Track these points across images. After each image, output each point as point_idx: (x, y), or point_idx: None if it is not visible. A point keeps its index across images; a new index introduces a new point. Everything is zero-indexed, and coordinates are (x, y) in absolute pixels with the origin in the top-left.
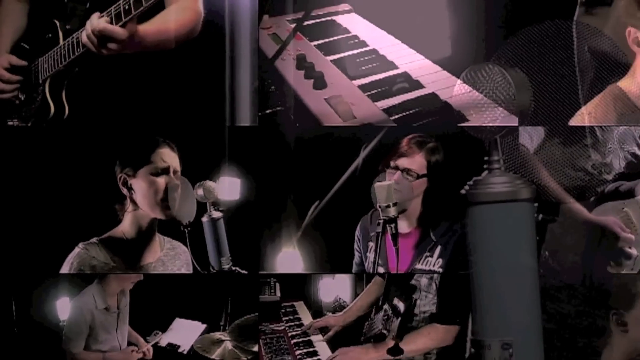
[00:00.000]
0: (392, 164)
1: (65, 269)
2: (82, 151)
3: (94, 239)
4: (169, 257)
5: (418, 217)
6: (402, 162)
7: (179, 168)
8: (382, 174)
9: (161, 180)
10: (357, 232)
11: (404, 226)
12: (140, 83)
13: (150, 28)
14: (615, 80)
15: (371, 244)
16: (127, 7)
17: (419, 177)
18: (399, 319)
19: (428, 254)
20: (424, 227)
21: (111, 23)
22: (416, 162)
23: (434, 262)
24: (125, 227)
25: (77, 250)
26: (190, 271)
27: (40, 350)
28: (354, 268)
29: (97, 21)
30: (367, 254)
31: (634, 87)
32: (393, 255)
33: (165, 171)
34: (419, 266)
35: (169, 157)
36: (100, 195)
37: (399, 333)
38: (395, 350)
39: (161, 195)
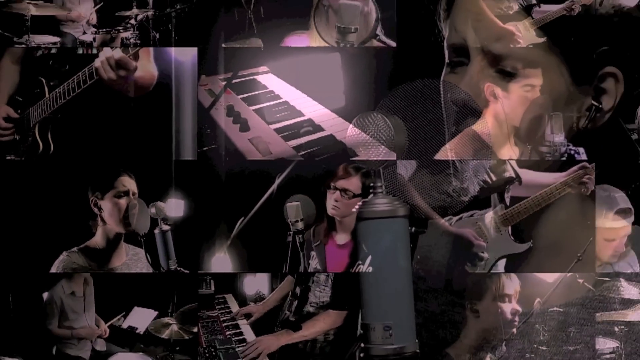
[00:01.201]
0: (332, 185)
1: (53, 270)
2: (63, 180)
3: (75, 248)
4: (133, 261)
5: (353, 230)
6: (341, 183)
7: (136, 191)
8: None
9: (123, 202)
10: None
11: (342, 238)
12: (107, 126)
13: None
14: (471, 124)
15: (313, 253)
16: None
17: (354, 196)
18: (297, 300)
19: (360, 262)
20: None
21: None
22: (353, 183)
23: (365, 269)
24: (97, 238)
25: (62, 256)
26: (150, 271)
27: (32, 328)
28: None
29: (115, 51)
30: (309, 260)
31: (485, 129)
32: (331, 260)
33: (126, 194)
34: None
35: (128, 183)
36: (78, 214)
37: (297, 311)
38: (295, 326)
39: (123, 213)
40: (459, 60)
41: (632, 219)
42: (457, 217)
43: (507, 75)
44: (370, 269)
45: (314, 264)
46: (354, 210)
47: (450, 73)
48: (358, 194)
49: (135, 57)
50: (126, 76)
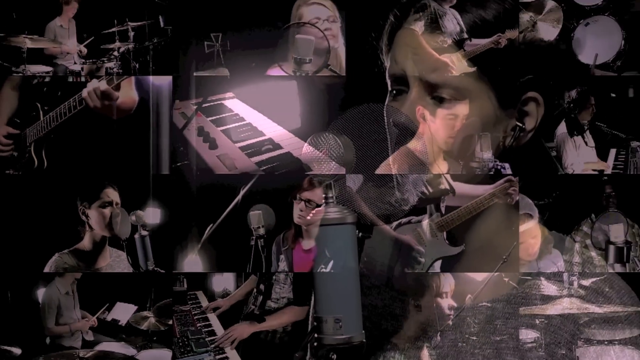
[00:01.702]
0: (297, 196)
1: (46, 269)
2: (55, 191)
3: (65, 251)
4: (116, 262)
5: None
6: (305, 194)
7: (119, 201)
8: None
9: (107, 211)
10: (273, 247)
11: (307, 244)
12: (93, 145)
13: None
14: (407, 142)
15: (282, 256)
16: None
17: (317, 205)
18: (262, 296)
19: (323, 265)
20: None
21: None
22: (316, 195)
23: (327, 271)
24: (85, 242)
25: (54, 257)
26: (131, 271)
27: (28, 325)
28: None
29: (100, 83)
30: (279, 263)
31: (418, 147)
32: (297, 263)
33: (110, 204)
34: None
35: (112, 194)
36: (68, 221)
37: (261, 305)
38: (259, 318)
39: (107, 220)
40: (400, 89)
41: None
42: (396, 223)
43: (438, 102)
44: (332, 271)
45: (283, 266)
46: (308, 217)
47: (393, 100)
48: (321, 203)
49: (117, 87)
50: (110, 104)
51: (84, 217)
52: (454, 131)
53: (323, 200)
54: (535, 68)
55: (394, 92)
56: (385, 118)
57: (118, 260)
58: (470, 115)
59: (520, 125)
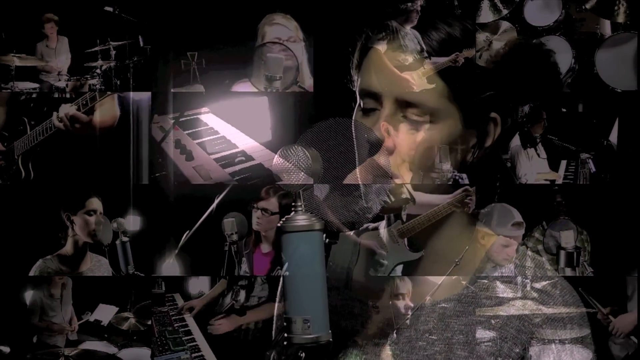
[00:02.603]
0: (255, 205)
1: (31, 273)
2: (42, 201)
3: (49, 256)
4: (96, 267)
5: (273, 241)
6: (262, 203)
7: (102, 210)
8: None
9: (92, 219)
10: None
11: (265, 248)
12: (78, 157)
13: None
14: (372, 155)
15: (244, 259)
16: (84, 103)
17: (273, 213)
18: (244, 290)
19: (279, 267)
20: (278, 249)
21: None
22: (271, 203)
23: (283, 273)
24: (68, 247)
25: (39, 262)
26: (110, 274)
27: (16, 325)
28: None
29: (69, 109)
30: (241, 265)
31: (381, 160)
32: (257, 265)
33: (95, 212)
34: (272, 274)
35: (97, 204)
36: (53, 228)
37: (245, 300)
38: (241, 312)
39: (91, 228)
40: (371, 108)
41: (522, 231)
42: (362, 228)
43: (403, 118)
44: (287, 273)
45: (244, 267)
46: (278, 224)
47: (363, 116)
48: (276, 212)
49: (91, 111)
50: (82, 126)
51: (68, 223)
52: (415, 143)
53: (278, 209)
54: (493, 85)
55: (364, 109)
56: (353, 131)
57: (98, 265)
58: (433, 130)
59: (480, 143)
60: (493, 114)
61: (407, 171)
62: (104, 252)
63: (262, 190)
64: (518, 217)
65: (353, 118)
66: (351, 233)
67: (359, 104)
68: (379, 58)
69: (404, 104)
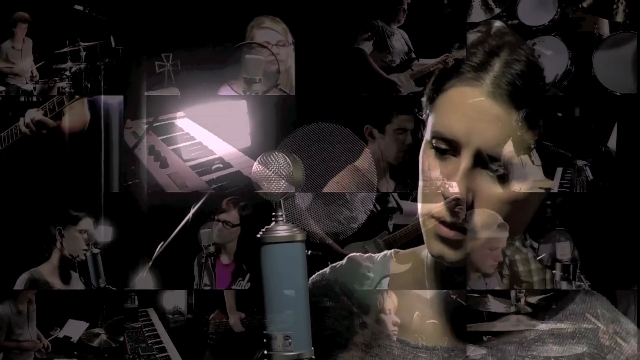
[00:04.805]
0: (215, 217)
1: (17, 287)
2: (26, 215)
3: (33, 269)
4: (76, 281)
5: (234, 253)
6: (222, 216)
7: (93, 231)
8: (209, 222)
9: (81, 237)
10: (195, 263)
11: (225, 259)
12: (46, 164)
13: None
14: (354, 161)
15: (204, 272)
16: (51, 107)
17: (234, 226)
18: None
19: (240, 278)
20: (238, 260)
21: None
22: (232, 215)
23: (244, 284)
24: (53, 261)
25: (24, 275)
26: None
27: None
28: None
29: (36, 114)
30: (202, 277)
31: (365, 165)
32: (218, 277)
33: (85, 232)
34: (233, 287)
35: (88, 223)
36: (39, 242)
37: None
38: None
39: (81, 246)
40: (445, 149)
41: (507, 234)
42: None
43: (482, 169)
44: (249, 284)
45: (205, 280)
46: (257, 235)
47: (436, 157)
48: (237, 224)
49: (59, 115)
50: (49, 132)
51: (58, 237)
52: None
53: (238, 221)
54: None
55: (439, 148)
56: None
57: (77, 280)
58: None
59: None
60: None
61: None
62: (74, 266)
63: (222, 202)
64: (501, 219)
65: (421, 152)
66: (336, 244)
67: (430, 141)
68: (461, 100)
69: (484, 158)
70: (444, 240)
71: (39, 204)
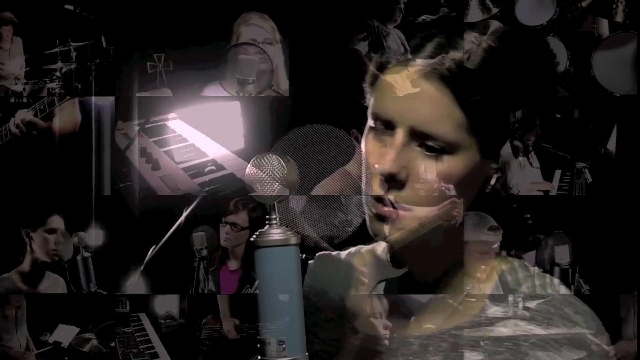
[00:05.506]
0: (223, 220)
1: None
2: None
3: (5, 274)
4: (53, 286)
5: (242, 258)
6: (230, 218)
7: (63, 228)
8: (203, 226)
9: (52, 237)
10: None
11: (233, 264)
12: (37, 166)
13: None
14: (344, 165)
15: (209, 276)
16: (42, 108)
17: (242, 228)
18: None
19: (248, 285)
20: (246, 267)
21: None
22: (240, 217)
23: (252, 291)
24: (25, 265)
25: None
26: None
27: None
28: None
29: (26, 114)
30: (208, 282)
31: (354, 169)
32: (224, 283)
33: (55, 232)
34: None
35: (58, 222)
36: (12, 246)
37: None
38: None
39: (51, 247)
40: (383, 130)
41: (500, 237)
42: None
43: (418, 148)
44: (257, 292)
45: (210, 285)
46: (250, 239)
47: (374, 138)
48: (246, 226)
49: (50, 116)
50: (40, 133)
51: (27, 240)
52: (433, 175)
53: (247, 223)
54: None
55: (379, 128)
56: (363, 156)
57: (55, 284)
58: (450, 161)
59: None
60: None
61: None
62: (64, 270)
63: (230, 203)
64: (493, 222)
65: (363, 138)
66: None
67: (370, 125)
68: (396, 81)
69: (418, 135)
70: (379, 217)
71: (16, 206)
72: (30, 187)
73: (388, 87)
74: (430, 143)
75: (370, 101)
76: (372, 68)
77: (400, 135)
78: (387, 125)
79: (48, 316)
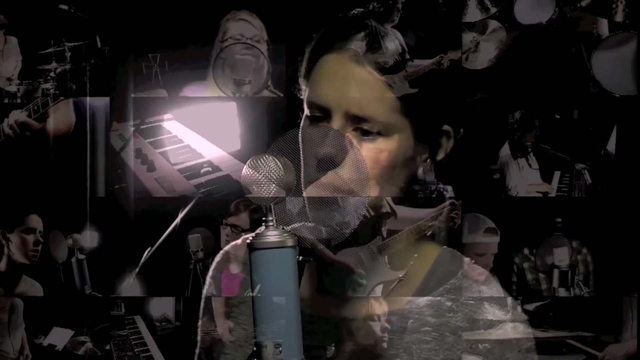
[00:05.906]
0: (224, 221)
1: None
2: None
3: None
4: (31, 292)
5: (244, 261)
6: (231, 219)
7: (42, 230)
8: (199, 228)
9: (30, 237)
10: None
11: (234, 268)
12: (30, 167)
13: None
14: (322, 171)
15: (210, 280)
16: (35, 108)
17: (243, 230)
18: None
19: (249, 290)
20: (248, 270)
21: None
22: (241, 219)
23: (253, 294)
24: (2, 266)
25: None
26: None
27: None
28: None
29: (20, 115)
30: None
31: (346, 173)
32: (225, 286)
33: (33, 231)
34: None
35: (36, 222)
36: None
37: None
38: None
39: (29, 247)
40: (319, 118)
41: (497, 239)
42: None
43: (353, 132)
44: (259, 295)
45: (211, 289)
46: (247, 241)
47: (311, 125)
48: (247, 228)
49: (44, 117)
50: (33, 134)
51: (4, 241)
52: (373, 158)
53: (249, 225)
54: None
55: (314, 116)
56: (300, 144)
57: (32, 290)
58: (385, 143)
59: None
60: (445, 127)
61: (374, 185)
62: (58, 272)
63: (231, 205)
64: (490, 223)
65: (300, 128)
66: (327, 250)
67: (307, 114)
68: (329, 68)
69: (354, 119)
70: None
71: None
72: (9, 187)
73: (322, 75)
74: (365, 127)
75: (305, 92)
76: (304, 61)
77: (336, 120)
78: (323, 112)
79: (42, 319)
